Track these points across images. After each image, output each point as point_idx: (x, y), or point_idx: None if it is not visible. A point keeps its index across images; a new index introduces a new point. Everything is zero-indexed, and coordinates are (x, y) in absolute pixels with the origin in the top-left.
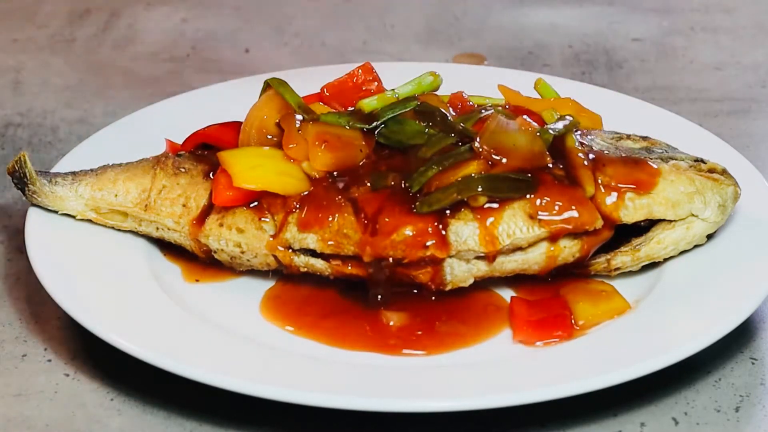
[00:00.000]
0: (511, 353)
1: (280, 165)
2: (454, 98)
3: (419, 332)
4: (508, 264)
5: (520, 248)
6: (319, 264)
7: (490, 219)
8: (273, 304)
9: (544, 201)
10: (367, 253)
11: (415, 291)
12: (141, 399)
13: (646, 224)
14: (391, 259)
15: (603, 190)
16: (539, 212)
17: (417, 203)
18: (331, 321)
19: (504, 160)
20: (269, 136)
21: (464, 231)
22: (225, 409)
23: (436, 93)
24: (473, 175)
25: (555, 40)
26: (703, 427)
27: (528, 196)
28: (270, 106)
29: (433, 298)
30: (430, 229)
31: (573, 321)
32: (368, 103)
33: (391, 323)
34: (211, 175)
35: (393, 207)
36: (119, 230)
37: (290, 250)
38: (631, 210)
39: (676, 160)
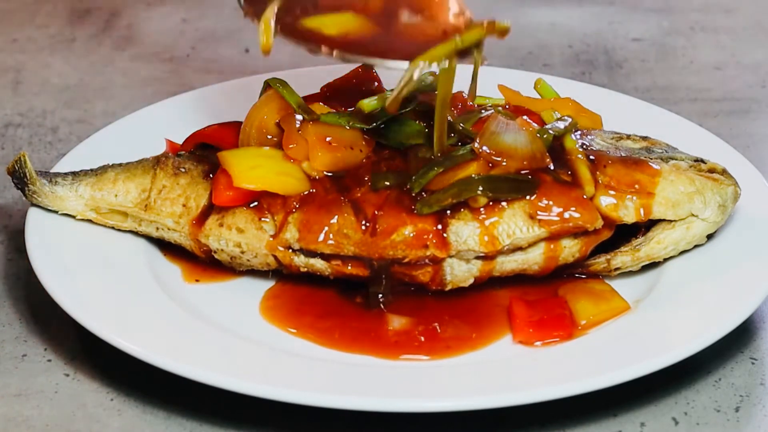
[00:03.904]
0: (511, 353)
1: (280, 165)
2: (454, 98)
3: (422, 337)
4: (508, 264)
5: (520, 248)
6: (319, 264)
7: (490, 219)
8: (273, 304)
9: (544, 201)
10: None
11: (413, 288)
12: (141, 399)
13: (646, 224)
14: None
15: (603, 191)
16: (539, 212)
17: (417, 204)
18: (331, 321)
19: (504, 161)
20: (269, 136)
21: (464, 231)
22: (225, 409)
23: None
24: (473, 175)
25: (555, 40)
26: (703, 427)
27: (528, 196)
28: (270, 106)
29: (430, 293)
30: (430, 229)
31: (574, 321)
32: (368, 103)
33: (392, 327)
34: (211, 175)
35: (393, 207)
36: (119, 230)
37: (290, 250)
38: (631, 210)
39: (676, 160)
